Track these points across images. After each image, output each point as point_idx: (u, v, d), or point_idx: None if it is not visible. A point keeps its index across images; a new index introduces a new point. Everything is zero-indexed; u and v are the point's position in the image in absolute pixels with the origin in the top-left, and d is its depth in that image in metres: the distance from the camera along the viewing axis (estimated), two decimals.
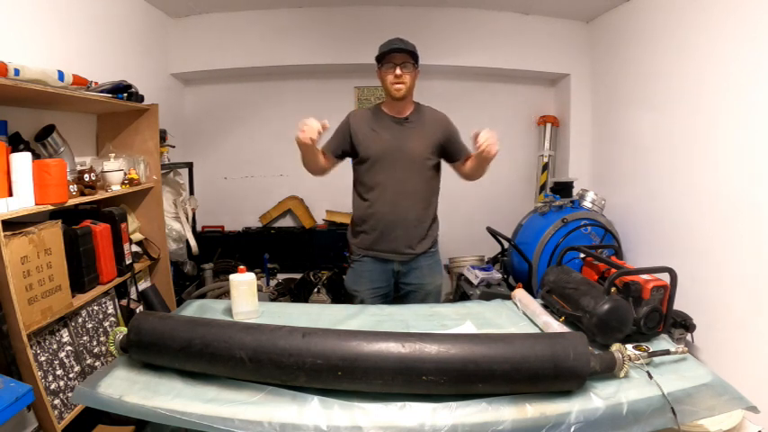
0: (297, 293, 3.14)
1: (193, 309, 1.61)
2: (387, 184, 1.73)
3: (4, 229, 1.33)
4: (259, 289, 2.66)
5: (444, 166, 1.87)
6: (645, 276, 1.40)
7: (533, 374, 1.05)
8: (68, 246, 1.64)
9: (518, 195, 3.69)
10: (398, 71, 1.67)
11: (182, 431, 1.16)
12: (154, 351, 1.19)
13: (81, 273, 1.75)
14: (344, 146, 1.78)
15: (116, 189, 2.00)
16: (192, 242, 2.74)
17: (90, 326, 1.82)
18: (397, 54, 1.66)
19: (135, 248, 2.23)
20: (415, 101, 1.82)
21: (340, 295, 2.97)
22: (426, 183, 1.77)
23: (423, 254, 1.80)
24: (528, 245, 2.75)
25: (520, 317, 1.57)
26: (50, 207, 1.53)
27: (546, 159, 3.59)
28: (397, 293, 1.86)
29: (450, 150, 1.80)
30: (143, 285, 2.28)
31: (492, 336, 1.21)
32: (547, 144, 3.59)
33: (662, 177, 2.53)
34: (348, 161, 1.85)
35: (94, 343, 1.83)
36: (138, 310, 2.11)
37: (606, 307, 1.27)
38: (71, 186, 1.66)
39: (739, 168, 1.99)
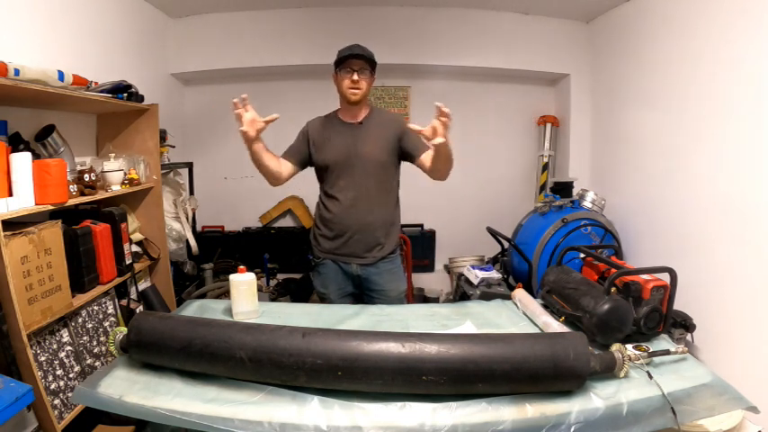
0: (297, 293, 3.14)
1: (193, 309, 1.61)
2: (345, 188, 1.75)
3: (4, 229, 1.33)
4: (259, 289, 2.66)
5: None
6: (645, 276, 1.40)
7: (533, 374, 1.05)
8: (68, 246, 1.64)
9: (518, 195, 3.69)
10: (355, 77, 1.68)
11: (182, 431, 1.16)
12: (154, 351, 1.19)
13: (81, 273, 1.75)
14: (303, 152, 1.80)
15: (116, 189, 2.00)
16: (192, 242, 2.74)
17: (90, 326, 1.82)
18: (356, 60, 1.67)
19: (135, 248, 2.23)
20: (370, 105, 1.83)
21: None
22: (384, 186, 1.77)
23: (382, 259, 1.79)
24: (528, 245, 2.75)
25: (520, 317, 1.57)
26: (50, 207, 1.53)
27: (546, 159, 3.59)
28: (362, 301, 1.86)
29: (406, 148, 1.77)
30: (143, 285, 2.28)
31: (492, 336, 1.21)
32: (547, 144, 3.59)
33: (662, 177, 2.53)
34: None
35: (94, 343, 1.83)
36: (138, 310, 2.11)
37: (606, 307, 1.27)
38: (71, 186, 1.66)
39: (739, 168, 1.99)
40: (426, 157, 1.69)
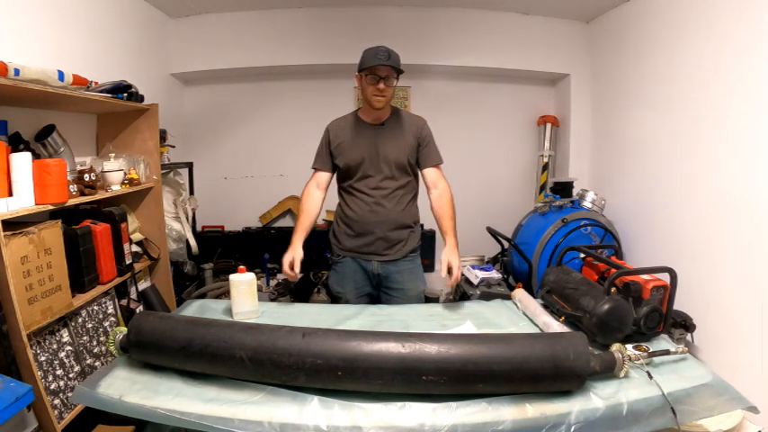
0: (297, 293, 3.14)
1: (193, 309, 1.62)
2: (367, 188, 1.75)
3: (4, 229, 1.33)
4: (259, 289, 2.66)
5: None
6: (645, 276, 1.40)
7: (533, 374, 1.05)
8: (68, 246, 1.63)
9: (518, 195, 3.69)
10: (381, 86, 1.67)
11: (182, 431, 1.16)
12: (154, 351, 1.19)
13: (81, 273, 1.74)
14: (330, 158, 1.82)
15: (116, 189, 2.00)
16: (192, 242, 2.74)
17: (90, 326, 1.82)
18: (383, 67, 1.66)
19: (135, 248, 2.23)
20: (393, 106, 1.83)
21: None
22: (404, 187, 1.78)
23: (403, 258, 1.80)
24: (528, 245, 2.75)
25: (520, 317, 1.57)
26: (50, 207, 1.52)
27: (546, 159, 3.59)
28: (379, 299, 1.86)
29: (419, 155, 1.80)
30: (143, 285, 2.28)
31: (492, 336, 1.21)
32: (547, 144, 3.59)
33: (662, 177, 2.53)
34: None
35: (94, 343, 1.83)
36: (138, 310, 2.11)
37: (606, 307, 1.27)
38: (71, 186, 1.66)
39: (739, 168, 1.99)
40: (432, 181, 1.80)
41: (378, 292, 1.85)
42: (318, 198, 1.85)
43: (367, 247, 1.78)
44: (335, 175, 1.86)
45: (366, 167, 1.75)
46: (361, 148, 1.75)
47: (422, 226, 3.48)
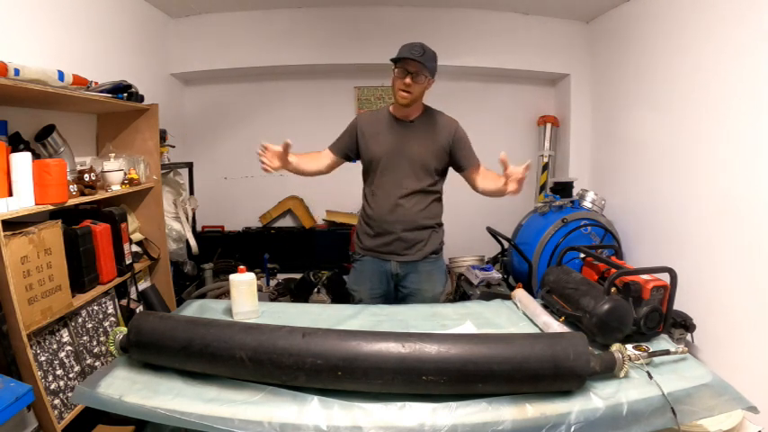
0: (297, 293, 3.14)
1: (193, 309, 1.61)
2: (388, 186, 1.73)
3: (4, 229, 1.33)
4: (259, 289, 2.66)
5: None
6: (645, 276, 1.40)
7: (533, 374, 1.05)
8: (68, 246, 1.64)
9: (518, 195, 3.68)
10: (408, 80, 1.63)
11: (182, 431, 1.16)
12: (154, 351, 1.19)
13: (81, 273, 1.74)
14: (350, 147, 1.80)
15: (116, 189, 2.00)
16: (192, 242, 2.74)
17: (90, 326, 1.82)
18: (413, 62, 1.62)
19: (135, 248, 2.23)
20: (425, 104, 1.81)
21: (340, 295, 2.98)
22: (425, 190, 1.75)
23: (423, 259, 1.78)
24: (528, 245, 2.75)
25: (520, 317, 1.57)
26: (50, 207, 1.52)
27: (546, 159, 3.59)
28: (395, 298, 1.85)
29: (455, 158, 1.78)
30: (143, 285, 2.28)
31: (492, 336, 1.21)
32: (547, 144, 3.59)
33: (662, 177, 2.53)
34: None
35: (94, 343, 1.83)
36: (138, 310, 2.11)
37: (606, 307, 1.27)
38: (71, 186, 1.66)
39: (739, 168, 1.99)
40: (477, 176, 1.78)
41: (395, 292, 1.84)
42: (321, 156, 1.80)
43: (386, 246, 1.76)
44: (361, 174, 1.84)
45: (387, 164, 1.72)
46: (385, 143, 1.72)
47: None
